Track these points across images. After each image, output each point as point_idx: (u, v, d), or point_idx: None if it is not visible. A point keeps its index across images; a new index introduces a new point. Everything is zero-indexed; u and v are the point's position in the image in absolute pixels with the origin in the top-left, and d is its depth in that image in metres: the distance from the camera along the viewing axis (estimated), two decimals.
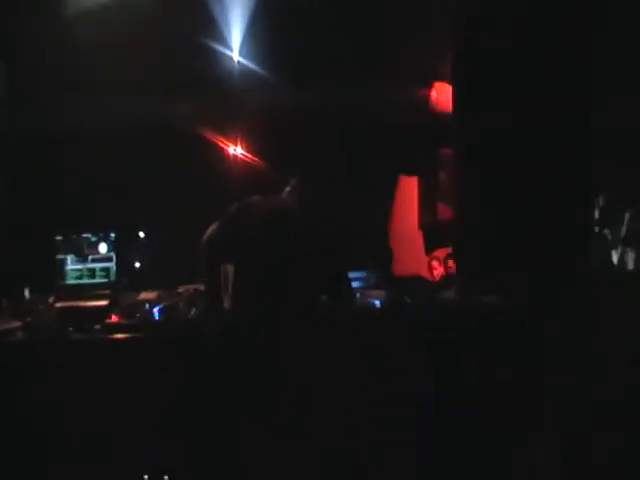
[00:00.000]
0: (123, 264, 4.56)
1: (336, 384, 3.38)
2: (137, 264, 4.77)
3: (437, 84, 5.32)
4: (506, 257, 3.86)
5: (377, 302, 4.01)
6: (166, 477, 3.70)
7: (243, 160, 5.21)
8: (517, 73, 3.89)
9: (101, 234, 4.55)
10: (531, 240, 3.82)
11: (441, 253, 5.42)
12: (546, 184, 3.82)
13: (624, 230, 4.06)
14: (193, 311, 4.06)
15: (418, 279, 4.95)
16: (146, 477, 3.70)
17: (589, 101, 3.85)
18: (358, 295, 4.03)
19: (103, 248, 4.53)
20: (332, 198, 3.69)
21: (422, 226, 6.09)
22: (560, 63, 3.85)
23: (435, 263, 5.40)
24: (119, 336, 3.93)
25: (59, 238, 4.58)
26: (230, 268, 3.61)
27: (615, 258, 4.11)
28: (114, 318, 4.11)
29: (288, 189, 3.69)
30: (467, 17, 4.04)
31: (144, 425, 3.70)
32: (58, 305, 4.30)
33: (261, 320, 3.38)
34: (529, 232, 3.84)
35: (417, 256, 5.79)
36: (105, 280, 4.52)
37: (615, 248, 4.08)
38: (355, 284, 4.19)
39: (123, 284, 4.50)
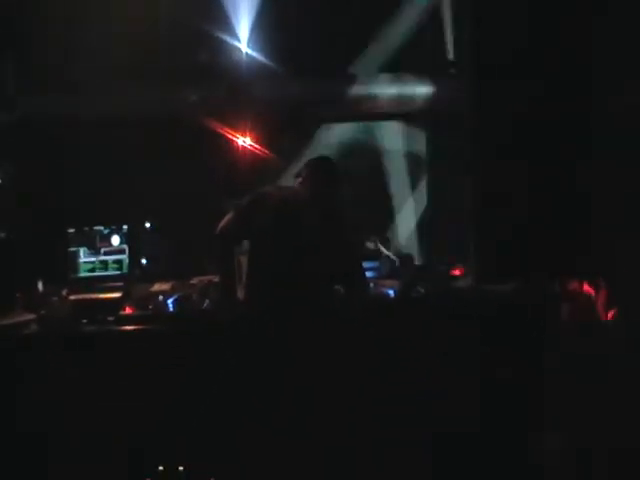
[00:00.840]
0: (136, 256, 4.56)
1: (348, 375, 3.39)
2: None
3: None
4: (520, 255, 3.86)
5: (390, 292, 4.01)
6: (181, 468, 3.72)
7: (252, 151, 5.21)
8: (534, 69, 3.90)
9: (113, 226, 4.55)
10: (545, 238, 3.83)
11: None
12: (559, 183, 3.83)
13: None
14: (207, 302, 4.07)
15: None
16: (161, 468, 3.72)
17: (601, 101, 3.86)
18: (372, 285, 4.03)
19: (115, 240, 4.53)
20: (343, 188, 3.70)
21: None
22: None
23: None
24: (132, 328, 3.95)
25: (71, 231, 4.59)
26: (244, 259, 3.63)
27: None
28: (128, 310, 4.11)
29: (299, 180, 3.69)
30: (480, 19, 4.04)
31: (159, 416, 3.71)
32: (71, 298, 4.31)
33: (275, 310, 3.39)
34: (541, 231, 3.85)
35: None
36: (118, 272, 4.52)
37: None
38: (368, 274, 4.19)
39: (136, 276, 4.50)
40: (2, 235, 4.72)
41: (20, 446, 3.70)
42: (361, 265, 3.68)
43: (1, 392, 3.77)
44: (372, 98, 5.40)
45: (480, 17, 3.98)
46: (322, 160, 3.79)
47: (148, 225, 4.75)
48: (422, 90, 5.37)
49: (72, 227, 4.59)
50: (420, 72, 5.23)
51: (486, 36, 3.94)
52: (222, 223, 3.60)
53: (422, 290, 4.00)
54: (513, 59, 3.87)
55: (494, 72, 3.93)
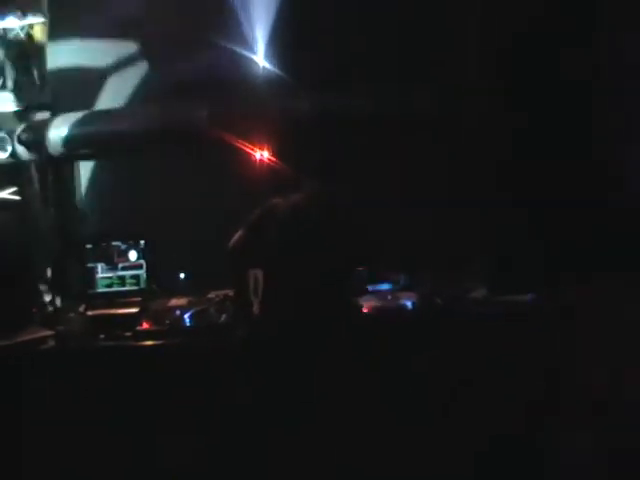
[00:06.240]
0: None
1: (366, 387, 3.36)
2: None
3: None
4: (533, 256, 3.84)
5: (408, 303, 3.98)
6: None
7: (269, 165, 5.18)
8: (540, 70, 3.88)
9: (131, 242, 4.56)
10: (558, 238, 3.80)
11: None
12: (572, 182, 3.79)
13: None
14: (223, 316, 4.06)
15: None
16: None
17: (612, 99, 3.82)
18: (389, 297, 4.01)
19: (133, 256, 4.55)
20: (348, 196, 3.68)
21: None
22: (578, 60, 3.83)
23: None
24: (150, 343, 3.95)
25: (89, 246, 4.61)
26: (259, 272, 3.62)
27: None
28: (145, 325, 4.12)
29: (306, 188, 3.67)
30: (487, 16, 4.03)
31: (176, 431, 3.71)
32: (89, 313, 4.33)
33: (291, 323, 3.38)
34: (555, 231, 3.82)
35: None
36: (135, 287, 4.53)
37: None
38: (385, 286, 4.18)
39: (153, 291, 4.51)
40: (19, 251, 4.75)
41: (36, 460, 3.73)
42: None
43: (19, 407, 3.80)
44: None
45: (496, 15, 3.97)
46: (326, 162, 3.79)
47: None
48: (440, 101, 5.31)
49: (90, 243, 4.61)
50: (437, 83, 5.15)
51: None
52: (234, 239, 3.59)
53: (440, 301, 3.97)
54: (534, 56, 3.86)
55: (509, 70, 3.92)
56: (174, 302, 4.29)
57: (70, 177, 5.40)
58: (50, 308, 4.53)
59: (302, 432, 3.29)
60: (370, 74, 4.86)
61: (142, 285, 4.53)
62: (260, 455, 3.40)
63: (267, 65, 5.17)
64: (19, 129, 4.98)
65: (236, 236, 3.59)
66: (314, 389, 3.30)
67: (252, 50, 5.20)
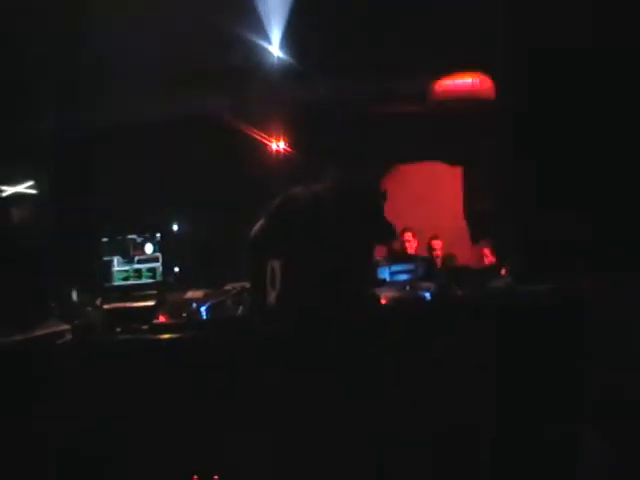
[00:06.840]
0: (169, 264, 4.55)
1: (385, 377, 3.33)
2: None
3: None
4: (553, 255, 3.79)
5: (427, 294, 3.94)
6: (216, 477, 3.69)
7: (286, 155, 5.17)
8: (570, 66, 3.82)
9: (147, 234, 4.55)
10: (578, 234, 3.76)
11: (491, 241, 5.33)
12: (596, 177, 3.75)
13: None
14: (240, 309, 4.04)
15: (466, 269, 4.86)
16: (196, 477, 3.70)
17: None
18: (407, 287, 3.97)
19: (149, 248, 4.53)
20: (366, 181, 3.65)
21: (467, 216, 6.02)
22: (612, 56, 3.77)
23: (487, 251, 5.30)
24: (166, 336, 3.93)
25: (105, 240, 4.60)
26: (277, 263, 3.59)
27: None
28: (161, 318, 4.10)
29: (326, 177, 3.64)
30: (517, 10, 3.98)
31: (193, 424, 3.69)
32: (105, 307, 4.32)
33: (309, 311, 3.35)
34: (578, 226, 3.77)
35: (464, 246, 5.71)
36: (152, 280, 4.52)
37: None
38: (404, 276, 4.14)
39: (170, 284, 4.49)
40: (37, 245, 4.76)
41: (52, 453, 3.72)
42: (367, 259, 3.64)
43: (36, 401, 3.79)
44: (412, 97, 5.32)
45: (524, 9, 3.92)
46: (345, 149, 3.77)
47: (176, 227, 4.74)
48: (462, 88, 5.28)
49: (106, 236, 4.60)
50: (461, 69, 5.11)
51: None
52: (254, 229, 3.57)
53: (459, 291, 3.92)
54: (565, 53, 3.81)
55: (537, 65, 3.87)
56: (190, 295, 4.27)
57: (88, 168, 5.41)
58: (67, 302, 4.52)
59: (320, 421, 3.26)
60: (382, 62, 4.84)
61: (158, 278, 4.51)
62: (279, 446, 3.38)
63: (282, 54, 5.16)
64: None
65: (257, 225, 3.57)
66: (332, 377, 3.27)
67: (268, 39, 5.19)
